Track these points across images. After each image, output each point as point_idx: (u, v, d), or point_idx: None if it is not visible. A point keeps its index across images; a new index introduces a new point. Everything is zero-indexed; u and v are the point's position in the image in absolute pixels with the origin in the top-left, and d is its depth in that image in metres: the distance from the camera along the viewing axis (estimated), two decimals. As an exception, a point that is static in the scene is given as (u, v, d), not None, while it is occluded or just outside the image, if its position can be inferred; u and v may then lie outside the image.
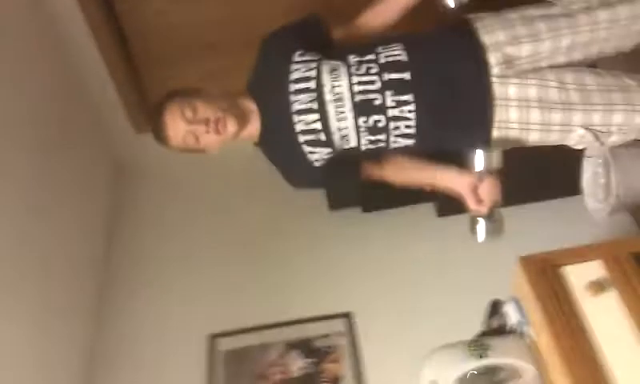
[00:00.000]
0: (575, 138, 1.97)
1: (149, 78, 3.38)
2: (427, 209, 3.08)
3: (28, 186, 2.65)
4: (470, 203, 1.92)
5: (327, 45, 2.00)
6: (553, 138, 1.98)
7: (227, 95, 1.95)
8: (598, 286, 1.85)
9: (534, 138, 1.97)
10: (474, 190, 1.89)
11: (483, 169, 1.91)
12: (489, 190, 1.89)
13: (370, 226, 3.09)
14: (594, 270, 1.91)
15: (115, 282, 3.10)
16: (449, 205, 2.96)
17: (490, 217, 1.94)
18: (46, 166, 2.83)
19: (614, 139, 1.99)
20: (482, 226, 1.96)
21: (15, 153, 2.58)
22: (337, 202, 3.11)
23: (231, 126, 1.89)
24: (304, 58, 1.92)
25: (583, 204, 2.70)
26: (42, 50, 3.01)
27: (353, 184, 2.13)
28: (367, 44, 1.96)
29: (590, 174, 2.58)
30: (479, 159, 1.91)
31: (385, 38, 1.98)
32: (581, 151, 2.37)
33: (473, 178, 1.90)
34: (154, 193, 3.50)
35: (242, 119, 1.93)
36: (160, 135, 1.92)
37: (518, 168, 2.82)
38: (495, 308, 2.18)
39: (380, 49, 1.92)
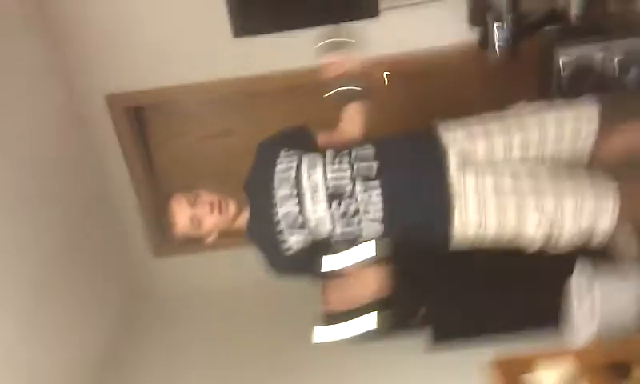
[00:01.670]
0: (532, 225, 2.07)
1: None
2: (419, 339, 3.00)
3: (36, 300, 2.80)
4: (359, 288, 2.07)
5: (310, 147, 2.25)
6: (510, 225, 2.09)
7: (226, 190, 2.22)
8: (568, 389, 1.86)
9: (492, 222, 2.08)
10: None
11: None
12: (378, 277, 2.05)
13: (360, 351, 2.85)
14: (565, 373, 1.93)
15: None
16: (439, 337, 3.02)
17: (379, 308, 2.05)
18: (59, 273, 3.01)
19: (568, 225, 2.08)
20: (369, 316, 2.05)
21: (28, 261, 2.78)
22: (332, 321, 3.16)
23: (232, 207, 2.16)
24: (288, 154, 2.19)
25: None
26: (77, 166, 3.31)
27: (321, 275, 2.23)
28: (344, 144, 2.22)
29: (573, 299, 2.61)
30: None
31: (359, 140, 2.24)
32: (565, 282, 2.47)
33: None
34: (163, 315, 3.64)
35: (240, 205, 2.20)
36: (167, 227, 2.19)
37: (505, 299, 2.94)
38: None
39: (353, 146, 2.18)
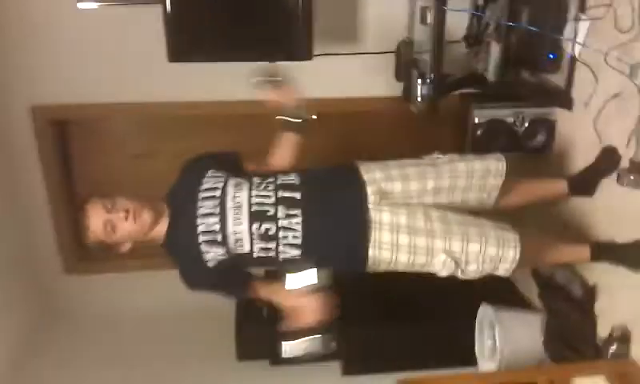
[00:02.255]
0: (439, 263, 2.24)
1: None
2: (334, 366, 3.15)
3: None
4: (297, 316, 2.12)
5: (238, 171, 2.34)
6: (419, 261, 2.26)
7: (144, 197, 2.24)
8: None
9: (402, 258, 2.25)
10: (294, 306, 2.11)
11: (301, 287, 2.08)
12: (316, 305, 2.08)
13: (276, 379, 3.14)
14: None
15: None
16: (354, 365, 3.14)
17: (319, 332, 2.09)
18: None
19: (472, 268, 2.27)
20: (308, 339, 2.10)
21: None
22: (245, 353, 3.20)
23: (147, 216, 2.18)
24: (215, 174, 2.27)
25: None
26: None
27: (241, 291, 2.34)
28: (270, 172, 2.33)
29: (478, 335, 2.77)
30: (293, 279, 2.09)
31: (285, 170, 2.36)
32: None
33: (293, 296, 2.10)
34: (72, 335, 3.53)
35: (156, 215, 2.22)
36: (82, 230, 2.17)
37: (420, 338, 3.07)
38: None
39: (279, 175, 2.30)
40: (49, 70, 3.18)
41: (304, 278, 2.07)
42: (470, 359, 2.79)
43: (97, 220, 2.15)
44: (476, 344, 2.81)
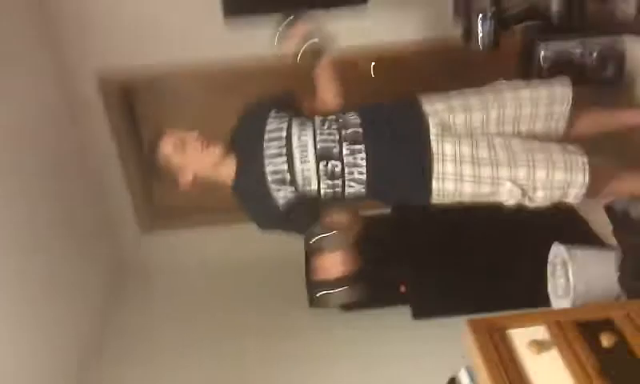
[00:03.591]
0: (505, 193, 2.22)
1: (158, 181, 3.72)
2: (404, 311, 3.19)
3: (29, 260, 2.84)
4: (322, 269, 2.15)
5: (299, 112, 2.37)
6: (485, 191, 2.24)
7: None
8: (539, 345, 1.95)
9: (467, 189, 2.23)
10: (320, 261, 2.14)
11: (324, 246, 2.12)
12: (339, 260, 2.12)
13: (347, 324, 3.20)
14: (538, 333, 2.02)
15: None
16: (424, 308, 3.15)
17: (342, 284, 2.13)
18: (50, 246, 3.06)
19: (540, 194, 2.23)
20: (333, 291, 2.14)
21: (22, 230, 2.83)
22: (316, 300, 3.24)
23: (216, 150, 2.26)
24: (278, 114, 2.30)
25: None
26: (64, 143, 3.37)
27: (312, 224, 2.29)
28: (329, 111, 2.35)
29: (551, 274, 2.73)
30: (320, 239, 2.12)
31: (343, 108, 2.37)
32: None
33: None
34: (150, 291, 3.70)
35: (224, 152, 2.29)
36: (153, 146, 2.29)
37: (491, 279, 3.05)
38: (452, 381, 2.27)
39: (340, 114, 2.32)
40: (111, 37, 3.27)
41: (333, 240, 2.12)
42: (542, 300, 2.76)
43: (171, 137, 2.26)
44: (549, 283, 2.76)
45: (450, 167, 2.22)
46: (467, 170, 2.22)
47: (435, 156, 2.23)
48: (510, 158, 2.21)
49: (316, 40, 2.35)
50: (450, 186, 2.24)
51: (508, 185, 2.20)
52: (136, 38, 3.27)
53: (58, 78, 3.32)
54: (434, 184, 2.24)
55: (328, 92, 2.43)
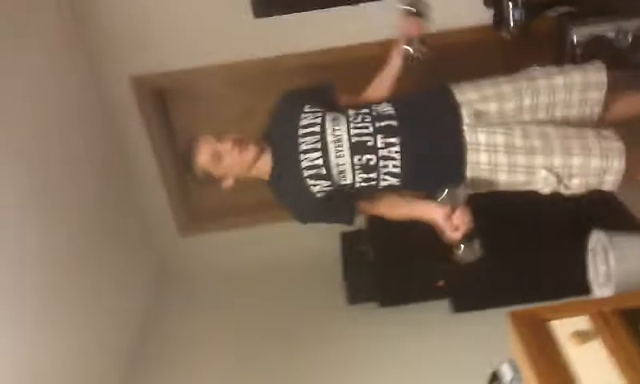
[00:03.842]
0: (540, 181, 2.21)
1: (194, 186, 3.76)
2: (442, 305, 3.18)
3: (70, 272, 2.88)
4: (447, 230, 2.14)
5: (333, 105, 2.37)
6: (520, 180, 2.22)
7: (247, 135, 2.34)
8: (582, 336, 1.92)
9: (502, 178, 2.23)
10: (449, 219, 2.11)
11: (452, 201, 2.13)
12: (460, 218, 2.10)
13: (387, 319, 3.20)
14: (580, 323, 1.99)
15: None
16: (463, 302, 3.13)
17: (467, 241, 2.15)
18: (88, 253, 3.09)
19: (576, 182, 2.21)
20: (462, 250, 2.16)
21: (61, 238, 2.86)
22: (355, 297, 3.27)
23: (251, 150, 2.27)
24: (312, 109, 2.30)
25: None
26: (101, 148, 3.42)
27: (350, 216, 2.37)
28: (363, 104, 2.34)
29: (591, 262, 2.69)
30: (448, 194, 2.13)
31: (378, 101, 2.36)
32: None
33: (446, 209, 2.12)
34: (189, 294, 3.74)
35: (259, 150, 2.30)
36: (189, 161, 2.30)
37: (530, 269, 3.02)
38: (494, 376, 2.26)
39: (373, 106, 2.31)
40: (143, 40, 3.30)
41: (455, 194, 2.13)
42: (583, 288, 2.71)
43: (205, 149, 2.26)
44: (589, 271, 2.72)
45: (484, 157, 2.21)
46: (502, 159, 2.20)
47: (469, 146, 2.22)
48: (545, 146, 2.19)
49: (420, 48, 2.36)
50: (484, 175, 2.23)
51: (543, 173, 2.19)
52: (168, 40, 3.30)
53: (93, 83, 3.37)
54: (469, 173, 2.23)
55: (382, 89, 2.42)
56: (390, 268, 3.23)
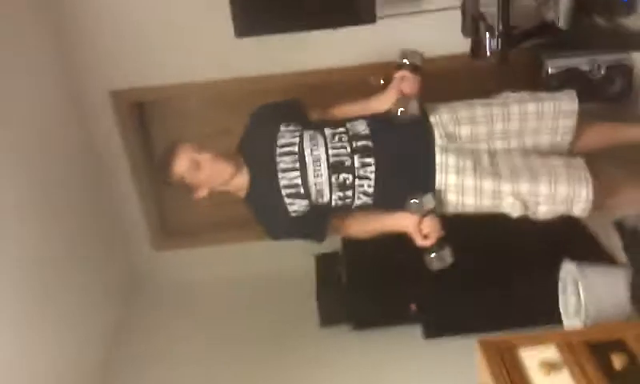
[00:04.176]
0: (507, 206, 2.25)
1: (170, 201, 3.77)
2: (415, 330, 3.16)
3: (36, 294, 2.81)
4: (417, 239, 2.23)
5: (305, 121, 2.41)
6: (486, 204, 2.27)
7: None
8: (550, 366, 1.95)
9: (469, 201, 2.28)
10: (418, 227, 2.20)
11: (420, 210, 2.22)
12: (429, 226, 2.20)
13: (359, 343, 3.18)
14: (549, 353, 2.02)
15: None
16: (435, 327, 3.14)
17: (437, 249, 2.22)
18: (61, 260, 3.05)
19: (543, 209, 2.25)
20: (433, 257, 2.24)
21: (36, 244, 2.84)
22: (328, 319, 3.25)
23: (229, 165, 2.31)
24: (289, 128, 2.33)
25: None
26: (78, 160, 3.39)
27: (322, 233, 2.40)
28: (338, 121, 2.39)
29: (562, 293, 2.71)
30: (416, 203, 2.21)
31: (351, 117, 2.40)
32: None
33: (415, 218, 2.21)
34: (161, 307, 3.71)
35: (236, 166, 2.34)
36: (166, 164, 2.30)
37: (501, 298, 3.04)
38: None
39: (348, 124, 2.35)
40: (124, 54, 3.30)
41: (423, 203, 2.21)
42: (553, 318, 2.74)
43: (184, 156, 2.27)
44: (560, 301, 2.75)
45: (452, 178, 2.27)
46: (469, 182, 2.26)
47: (438, 166, 2.28)
48: (512, 172, 2.24)
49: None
50: (451, 197, 2.29)
51: (510, 199, 2.23)
52: (149, 56, 3.29)
53: (71, 96, 3.35)
54: (437, 195, 2.27)
55: (356, 110, 2.45)
56: (364, 290, 3.21)
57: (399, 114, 2.32)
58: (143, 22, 3.23)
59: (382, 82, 3.24)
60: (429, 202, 2.22)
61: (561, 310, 2.73)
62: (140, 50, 3.28)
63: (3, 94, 2.74)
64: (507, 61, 2.85)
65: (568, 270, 2.74)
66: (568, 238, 2.86)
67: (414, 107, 2.33)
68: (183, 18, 3.20)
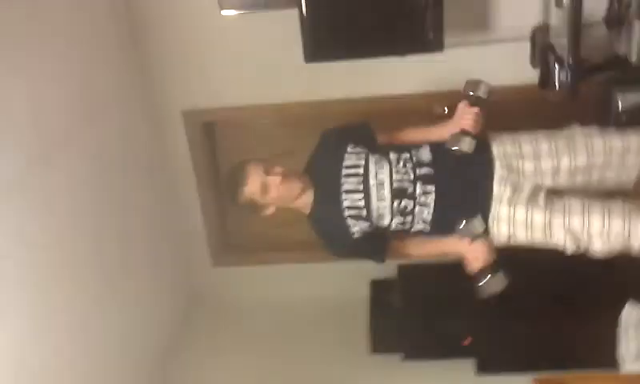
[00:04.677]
0: (559, 242, 2.19)
1: (232, 220, 3.86)
2: (467, 364, 3.09)
3: (94, 305, 2.91)
4: (468, 263, 2.20)
5: (371, 144, 2.43)
6: (537, 237, 2.22)
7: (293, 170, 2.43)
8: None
9: (520, 234, 2.23)
10: (469, 249, 2.18)
11: (470, 232, 2.19)
12: (480, 248, 2.18)
13: (409, 373, 3.14)
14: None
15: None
16: (489, 363, 3.04)
17: (490, 272, 2.17)
18: (123, 270, 3.16)
19: (598, 245, 2.16)
20: (485, 281, 2.18)
21: (92, 265, 2.91)
22: (379, 346, 3.22)
23: (297, 185, 2.37)
24: (355, 150, 2.37)
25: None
26: (147, 175, 3.53)
27: (382, 254, 2.44)
28: (402, 146, 2.40)
29: (623, 336, 2.58)
30: (466, 225, 2.20)
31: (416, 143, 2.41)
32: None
33: (466, 242, 2.19)
34: (217, 323, 3.79)
35: (304, 186, 2.38)
36: (236, 184, 2.34)
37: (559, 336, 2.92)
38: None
39: (413, 150, 2.36)
40: (197, 76, 3.42)
41: (471, 226, 2.20)
42: (611, 361, 2.61)
43: (255, 180, 2.31)
44: (620, 345, 2.61)
45: (504, 210, 2.24)
46: (520, 214, 2.23)
47: (495, 197, 2.26)
48: (565, 206, 2.19)
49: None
50: (504, 228, 2.26)
51: (561, 235, 2.18)
52: (219, 78, 3.40)
53: (147, 115, 3.51)
54: (490, 225, 2.26)
55: (430, 140, 2.43)
56: (418, 319, 3.18)
57: (453, 149, 2.30)
58: (215, 44, 3.35)
59: (445, 110, 3.25)
60: (477, 226, 2.20)
61: (620, 354, 2.60)
62: (211, 73, 3.41)
63: (94, 114, 2.95)
64: (577, 94, 2.79)
65: (631, 312, 2.61)
66: (634, 279, 2.72)
67: (468, 145, 2.27)
68: (254, 42, 3.30)
